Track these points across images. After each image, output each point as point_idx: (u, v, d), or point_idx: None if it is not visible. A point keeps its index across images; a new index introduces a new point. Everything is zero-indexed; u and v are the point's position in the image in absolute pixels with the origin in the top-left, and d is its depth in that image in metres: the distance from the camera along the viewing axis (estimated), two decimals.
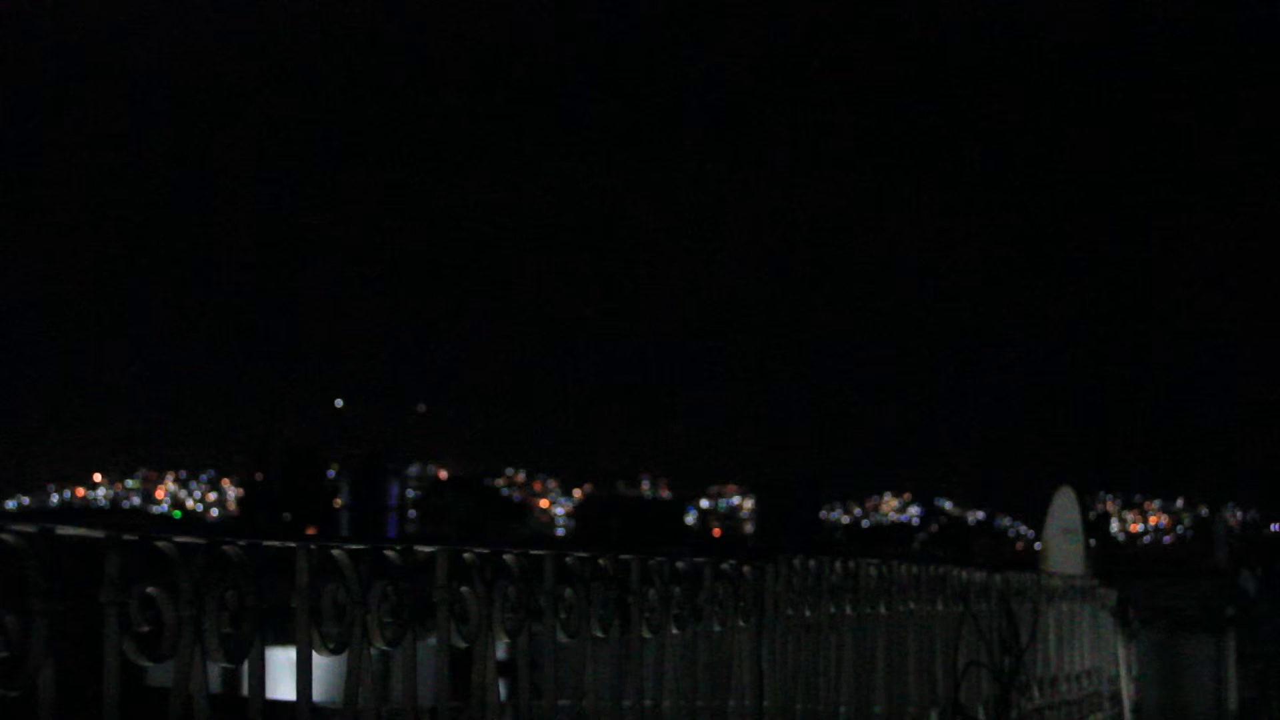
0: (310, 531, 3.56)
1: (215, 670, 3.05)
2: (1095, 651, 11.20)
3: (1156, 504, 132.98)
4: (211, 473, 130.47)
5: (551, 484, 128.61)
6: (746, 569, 5.39)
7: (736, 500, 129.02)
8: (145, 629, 2.87)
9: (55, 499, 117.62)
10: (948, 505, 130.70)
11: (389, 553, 3.49)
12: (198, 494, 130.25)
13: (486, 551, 3.84)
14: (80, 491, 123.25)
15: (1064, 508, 17.08)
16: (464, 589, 3.75)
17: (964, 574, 8.10)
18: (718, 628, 5.14)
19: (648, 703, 4.75)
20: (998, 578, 8.81)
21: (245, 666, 3.13)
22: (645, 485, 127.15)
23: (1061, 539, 16.85)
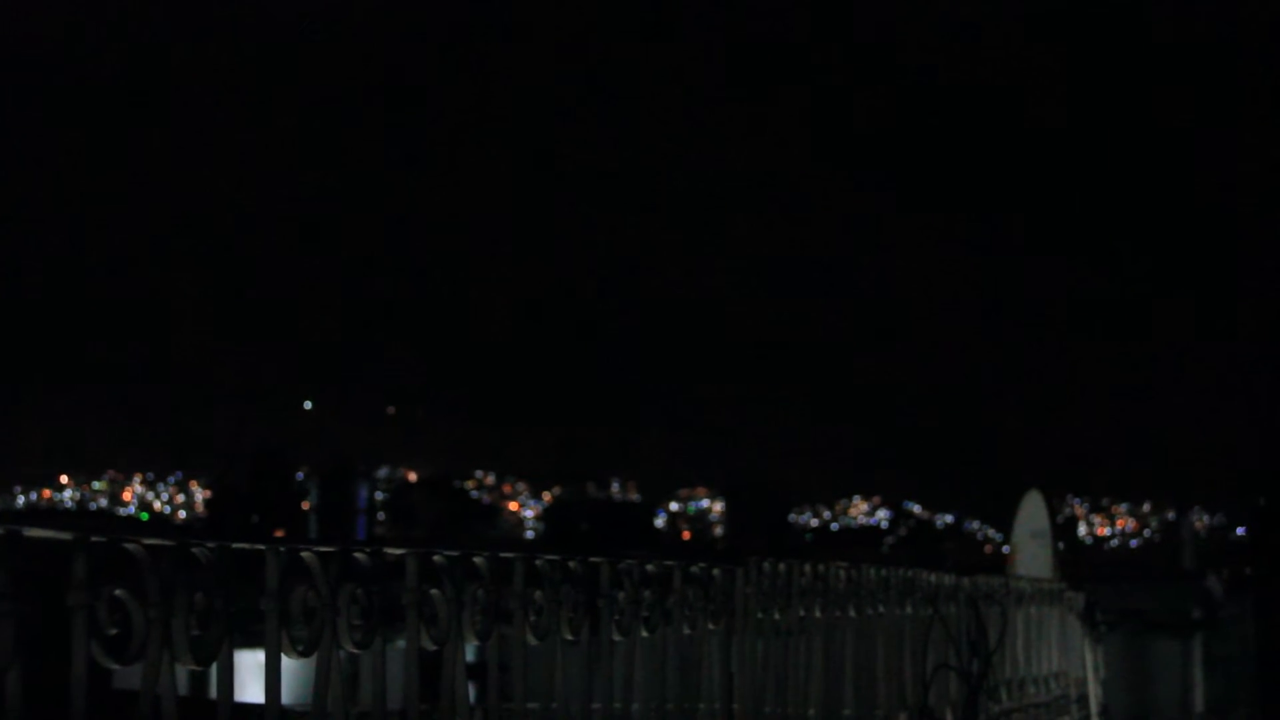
0: (279, 534, 3.54)
1: (183, 673, 3.04)
2: (1063, 654, 11.24)
3: (1124, 508, 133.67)
4: (179, 474, 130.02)
5: (521, 487, 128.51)
6: (716, 572, 5.39)
7: (706, 503, 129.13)
8: (113, 631, 2.86)
9: (21, 500, 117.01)
10: (916, 509, 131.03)
11: (358, 555, 3.48)
12: (165, 496, 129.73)
13: (456, 554, 3.83)
14: (47, 493, 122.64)
15: (1032, 511, 17.16)
16: (434, 592, 3.75)
17: (932, 577, 8.12)
18: (687, 630, 5.14)
19: (617, 705, 4.75)
20: (966, 581, 8.83)
21: (214, 669, 3.12)
22: (615, 488, 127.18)
23: (1030, 542, 16.92)
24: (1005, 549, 19.64)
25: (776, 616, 5.90)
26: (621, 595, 4.64)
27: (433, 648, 3.77)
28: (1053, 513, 17.51)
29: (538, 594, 4.19)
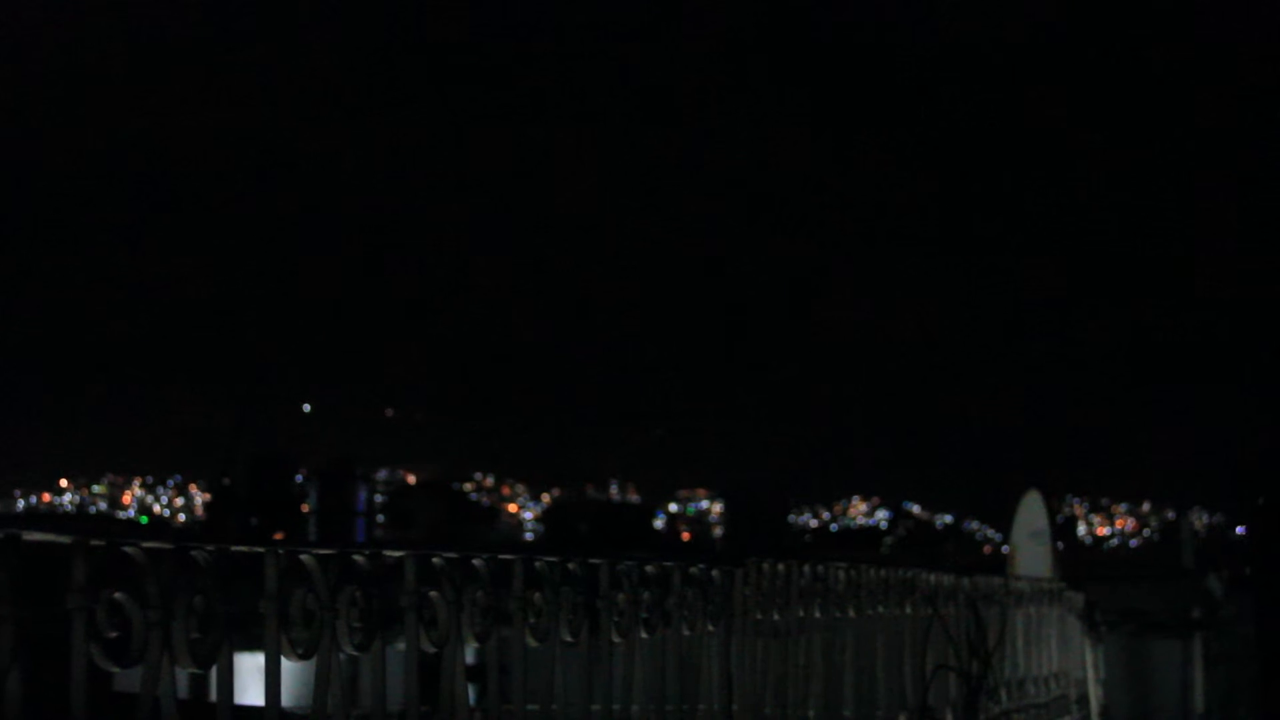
0: (278, 537, 3.55)
1: (183, 676, 3.04)
2: (1062, 654, 11.24)
3: (1123, 507, 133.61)
4: (178, 477, 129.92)
5: (520, 488, 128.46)
6: (715, 573, 5.40)
7: (705, 504, 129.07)
8: (113, 634, 2.86)
9: (21, 504, 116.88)
10: (916, 509, 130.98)
11: (357, 558, 3.48)
12: (165, 499, 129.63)
13: (455, 556, 3.83)
14: (46, 497, 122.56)
15: (1031, 511, 17.16)
16: (433, 594, 3.75)
17: (932, 577, 8.12)
18: (687, 632, 5.14)
19: (616, 707, 4.75)
20: (966, 581, 8.83)
21: (213, 672, 3.12)
22: (614, 489, 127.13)
23: (1029, 542, 16.93)
24: (1005, 549, 19.64)
25: (776, 617, 5.90)
26: (621, 597, 4.64)
27: (432, 650, 3.77)
28: (1052, 513, 17.52)
29: (537, 596, 4.19)
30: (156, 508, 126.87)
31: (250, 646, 3.30)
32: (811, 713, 6.33)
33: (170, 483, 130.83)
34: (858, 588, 6.86)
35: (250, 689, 3.53)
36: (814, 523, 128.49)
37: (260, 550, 3.30)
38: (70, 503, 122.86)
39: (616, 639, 4.64)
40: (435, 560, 3.77)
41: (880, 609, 7.21)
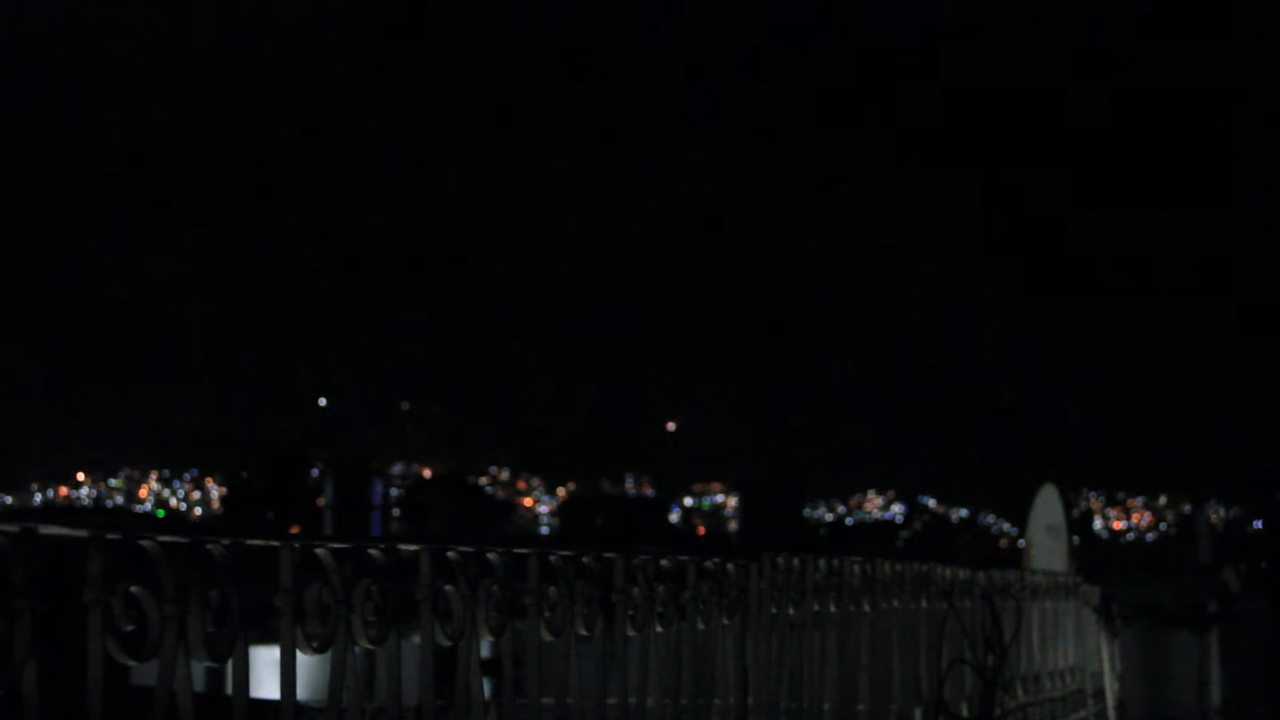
0: (294, 530, 3.55)
1: (199, 669, 3.05)
2: (1079, 648, 11.23)
3: (1139, 501, 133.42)
4: (195, 472, 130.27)
5: (536, 482, 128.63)
6: (730, 567, 5.40)
7: (720, 498, 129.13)
8: (129, 628, 2.86)
9: (39, 498, 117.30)
10: (931, 503, 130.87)
11: (373, 551, 3.49)
12: (181, 493, 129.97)
13: (470, 550, 3.84)
14: (64, 491, 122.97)
15: (1048, 505, 17.13)
16: (448, 588, 3.75)
17: (948, 571, 8.12)
18: (702, 626, 5.14)
19: (632, 701, 4.76)
20: (981, 575, 8.83)
21: (229, 666, 3.13)
22: (629, 483, 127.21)
23: (1045, 536, 16.90)
24: (1021, 543, 19.61)
25: (791, 611, 5.90)
26: (636, 591, 4.64)
27: (447, 644, 3.77)
28: (1068, 507, 17.49)
29: (552, 590, 4.19)
30: (173, 501, 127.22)
31: (266, 640, 3.31)
32: (827, 706, 6.34)
33: (187, 477, 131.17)
34: (873, 582, 6.85)
35: (266, 682, 3.53)
36: (829, 517, 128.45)
37: (276, 544, 3.30)
38: (87, 496, 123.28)
39: (631, 633, 4.65)
40: (450, 554, 3.77)
41: (895, 603, 7.20)
